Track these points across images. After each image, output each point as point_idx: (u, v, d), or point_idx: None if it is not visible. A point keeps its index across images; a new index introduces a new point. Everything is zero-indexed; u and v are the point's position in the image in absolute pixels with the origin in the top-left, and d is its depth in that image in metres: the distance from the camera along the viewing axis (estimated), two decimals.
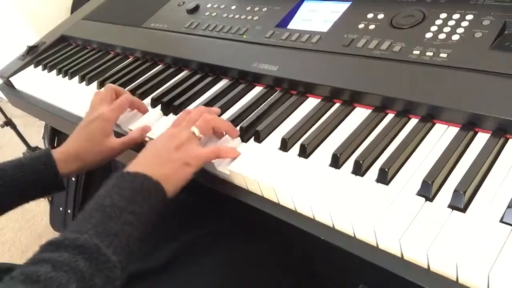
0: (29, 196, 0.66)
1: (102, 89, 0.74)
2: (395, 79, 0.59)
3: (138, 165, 0.56)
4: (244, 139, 0.63)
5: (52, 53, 1.09)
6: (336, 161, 0.54)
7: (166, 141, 0.59)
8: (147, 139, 0.69)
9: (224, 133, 0.64)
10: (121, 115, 0.72)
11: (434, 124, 0.55)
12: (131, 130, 0.72)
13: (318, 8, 0.79)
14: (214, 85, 0.78)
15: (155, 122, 0.72)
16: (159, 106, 0.76)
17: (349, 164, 0.53)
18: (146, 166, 0.55)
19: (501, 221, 0.42)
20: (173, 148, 0.57)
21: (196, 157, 0.58)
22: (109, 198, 0.50)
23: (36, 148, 1.66)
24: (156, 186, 0.53)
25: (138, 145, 0.69)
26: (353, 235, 0.47)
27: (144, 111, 0.76)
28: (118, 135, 0.71)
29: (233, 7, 0.90)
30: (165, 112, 0.75)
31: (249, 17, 0.85)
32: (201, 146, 0.61)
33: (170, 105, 0.74)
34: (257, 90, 0.73)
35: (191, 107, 0.73)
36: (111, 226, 0.47)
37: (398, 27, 0.67)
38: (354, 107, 0.62)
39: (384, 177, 0.49)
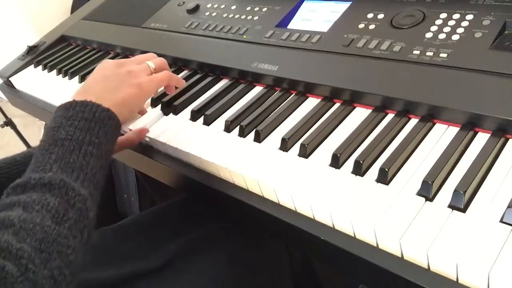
0: None
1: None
2: (395, 79, 0.60)
3: (85, 93, 0.53)
4: (243, 135, 0.64)
5: (52, 53, 1.09)
6: (336, 161, 0.54)
7: (115, 67, 0.57)
8: (147, 139, 0.69)
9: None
10: None
11: (434, 124, 0.55)
12: (130, 129, 0.72)
13: (318, 8, 0.79)
14: (214, 85, 0.78)
15: (155, 122, 0.72)
16: (159, 106, 0.76)
17: (349, 164, 0.53)
18: (95, 94, 0.53)
19: (501, 221, 0.42)
20: (123, 73, 0.56)
21: (149, 80, 0.57)
22: (63, 130, 0.48)
23: None
24: (108, 113, 0.51)
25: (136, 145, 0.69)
26: (353, 235, 0.47)
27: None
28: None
29: (233, 7, 0.90)
30: (165, 112, 0.74)
31: (249, 17, 0.85)
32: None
33: (170, 105, 0.74)
34: (257, 90, 0.73)
35: (191, 106, 0.73)
36: (73, 159, 0.46)
37: (398, 27, 0.67)
38: (354, 107, 0.62)
39: (384, 177, 0.49)
